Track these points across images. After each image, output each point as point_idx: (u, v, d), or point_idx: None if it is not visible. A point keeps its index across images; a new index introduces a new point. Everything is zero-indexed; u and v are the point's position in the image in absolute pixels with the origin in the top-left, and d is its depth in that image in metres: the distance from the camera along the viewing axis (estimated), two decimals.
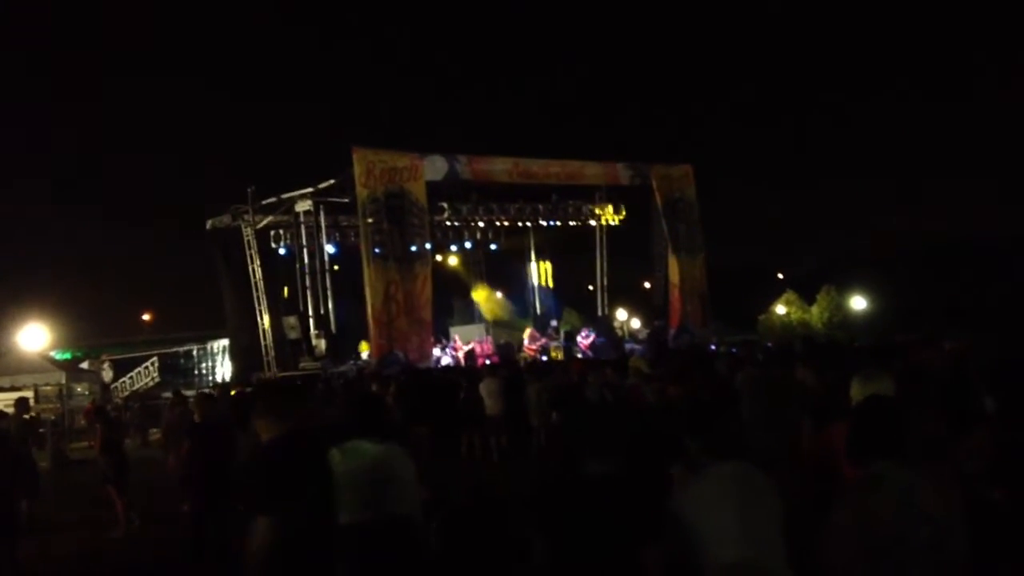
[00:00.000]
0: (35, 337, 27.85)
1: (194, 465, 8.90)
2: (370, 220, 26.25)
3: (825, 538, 3.32)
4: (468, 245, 34.96)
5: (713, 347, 27.68)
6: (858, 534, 3.21)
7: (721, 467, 3.56)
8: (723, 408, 3.82)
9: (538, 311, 37.25)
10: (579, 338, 30.61)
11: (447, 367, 25.89)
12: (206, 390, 21.08)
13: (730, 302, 42.84)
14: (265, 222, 29.72)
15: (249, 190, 29.10)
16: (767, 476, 3.59)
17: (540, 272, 38.04)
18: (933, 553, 3.15)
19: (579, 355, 28.11)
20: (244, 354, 31.70)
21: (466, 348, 28.89)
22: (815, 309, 55.04)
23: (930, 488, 3.26)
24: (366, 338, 27.05)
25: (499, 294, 38.60)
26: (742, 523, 3.42)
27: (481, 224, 33.41)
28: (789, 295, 56.27)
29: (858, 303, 52.57)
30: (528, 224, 34.58)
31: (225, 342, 37.90)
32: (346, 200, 28.15)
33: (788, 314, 55.24)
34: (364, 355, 27.76)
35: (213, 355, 39.86)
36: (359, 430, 5.11)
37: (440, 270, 32.19)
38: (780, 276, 61.56)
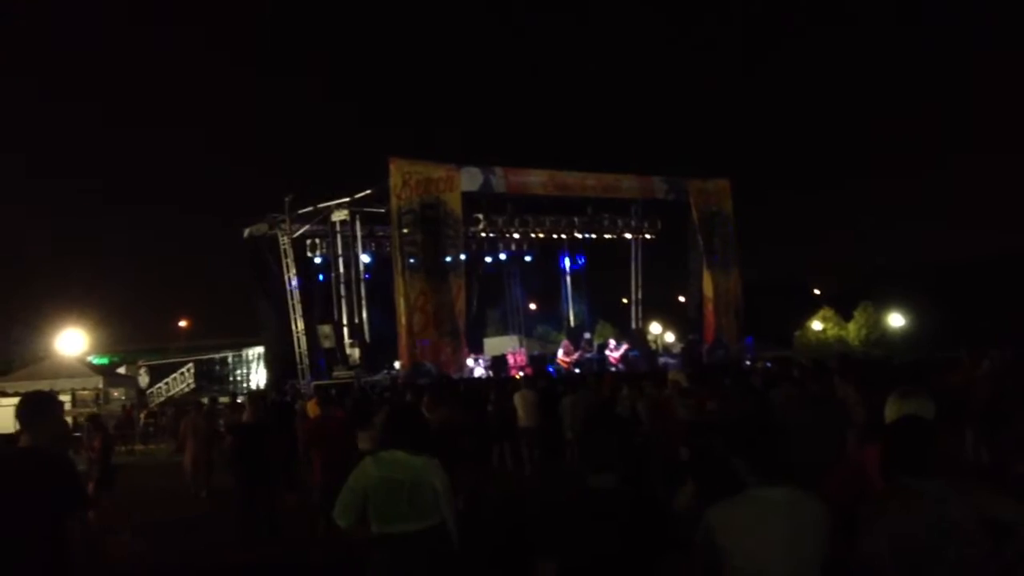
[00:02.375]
0: (73, 342, 28.16)
1: (240, 457, 9.94)
2: (405, 230, 26.34)
3: (858, 548, 3.30)
4: (503, 257, 35.01)
5: (748, 363, 27.50)
6: (890, 545, 3.19)
7: (768, 492, 3.44)
8: (770, 425, 3.73)
9: (572, 323, 37.18)
10: (607, 351, 30.49)
11: (478, 378, 25.89)
12: (252, 392, 21.60)
13: (766, 318, 42.53)
14: (301, 231, 29.90)
15: (286, 199, 29.26)
16: (819, 504, 3.51)
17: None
18: (964, 565, 3.11)
19: (610, 367, 28.03)
20: (278, 362, 31.89)
21: (481, 367, 28.59)
22: (852, 326, 54.53)
23: (961, 502, 3.24)
24: (399, 348, 27.10)
25: None
26: (783, 554, 3.34)
27: (516, 236, 33.42)
28: (826, 311, 55.75)
29: (896, 320, 52.00)
30: (563, 236, 34.54)
31: (260, 349, 38.19)
32: (382, 210, 28.26)
33: (824, 330, 54.76)
34: (397, 365, 27.81)
35: (248, 362, 40.19)
36: (395, 440, 5.11)
37: (474, 281, 32.23)
38: (817, 292, 61.00)
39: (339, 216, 29.58)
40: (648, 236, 35.93)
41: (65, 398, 22.61)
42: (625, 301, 38.86)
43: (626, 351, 30.46)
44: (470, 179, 28.28)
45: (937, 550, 3.15)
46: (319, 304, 30.78)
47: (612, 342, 31.83)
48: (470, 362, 27.98)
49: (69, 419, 20.99)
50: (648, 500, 3.74)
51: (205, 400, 23.35)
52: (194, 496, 15.33)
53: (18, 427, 4.35)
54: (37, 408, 4.36)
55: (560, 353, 29.84)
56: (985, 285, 51.23)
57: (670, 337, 43.24)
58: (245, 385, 38.08)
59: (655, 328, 42.56)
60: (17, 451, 4.26)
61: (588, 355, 30.18)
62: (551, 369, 28.24)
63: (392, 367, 28.31)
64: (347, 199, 29.09)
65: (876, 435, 5.07)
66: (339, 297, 30.06)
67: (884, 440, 3.59)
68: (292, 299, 30.10)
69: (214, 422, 16.91)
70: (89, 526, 4.14)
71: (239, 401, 21.35)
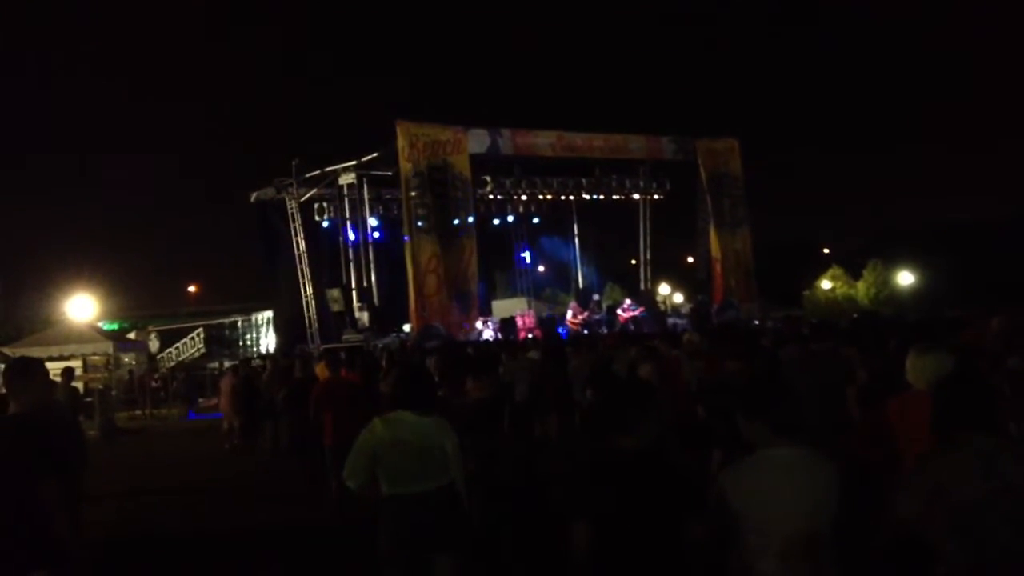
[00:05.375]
0: (83, 307, 28.22)
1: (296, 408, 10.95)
2: (413, 193, 26.32)
3: (895, 506, 3.27)
4: (511, 219, 34.93)
5: (757, 322, 27.46)
6: (931, 501, 3.15)
7: (779, 452, 3.40)
8: (779, 385, 3.70)
9: (580, 285, 37.15)
10: (619, 310, 30.44)
11: (487, 341, 25.87)
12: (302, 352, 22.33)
13: (775, 277, 42.44)
14: (309, 195, 29.87)
15: (293, 163, 29.26)
16: (830, 462, 3.47)
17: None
18: (1016, 523, 3.08)
19: (623, 327, 27.96)
20: (288, 326, 31.99)
21: (490, 329, 28.52)
22: (861, 284, 54.37)
23: (1013, 459, 3.18)
24: (407, 311, 27.12)
25: None
26: (796, 513, 3.31)
27: (524, 197, 33.34)
28: (835, 270, 55.59)
29: (905, 278, 51.84)
30: (571, 198, 34.44)
31: (269, 314, 38.29)
32: (389, 173, 28.21)
33: (834, 289, 54.64)
34: (406, 328, 27.84)
35: (257, 326, 40.28)
36: (404, 402, 5.12)
37: (482, 243, 32.21)
38: (826, 251, 60.83)
39: (346, 179, 29.53)
40: (656, 197, 35.82)
41: (76, 364, 22.70)
42: (633, 262, 38.83)
43: (637, 312, 30.40)
44: (477, 141, 28.22)
45: (987, 506, 3.08)
46: (327, 268, 30.81)
47: (628, 301, 31.79)
48: (479, 324, 27.99)
49: (80, 385, 21.12)
50: (672, 462, 3.74)
51: (235, 363, 23.73)
52: (228, 449, 15.96)
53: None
54: (20, 374, 4.34)
55: (569, 315, 29.82)
56: (994, 244, 51.02)
57: (679, 298, 43.18)
58: (255, 349, 38.13)
59: (664, 289, 42.49)
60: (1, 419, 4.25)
61: (596, 316, 30.16)
62: (563, 331, 28.22)
63: (402, 330, 28.35)
64: (354, 162, 29.04)
65: (887, 392, 5.08)
66: (347, 261, 30.09)
67: (938, 394, 3.53)
68: (300, 263, 30.13)
69: (241, 381, 17.45)
70: (63, 491, 4.09)
71: (254, 364, 21.65)
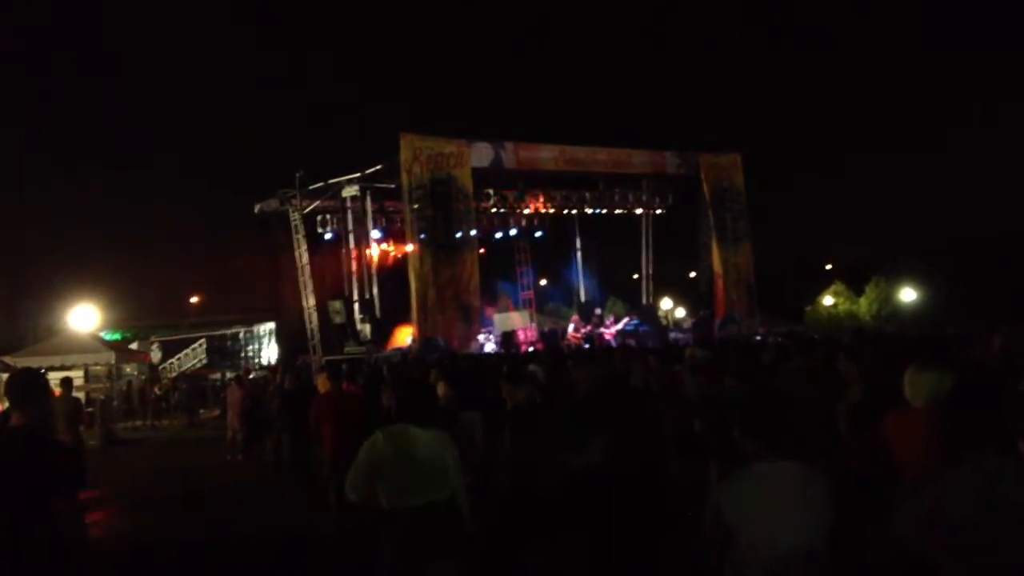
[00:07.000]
0: (86, 317, 28.19)
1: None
2: (416, 206, 26.36)
3: (898, 513, 3.27)
4: (513, 232, 34.93)
5: (759, 338, 27.43)
6: (934, 514, 3.15)
7: (774, 467, 3.42)
8: (776, 401, 3.71)
9: (582, 299, 37.11)
10: (603, 328, 30.33)
11: (488, 354, 25.84)
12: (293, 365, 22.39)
13: (777, 293, 42.38)
14: (312, 207, 29.87)
15: (297, 175, 29.25)
16: (825, 477, 3.48)
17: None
18: (1017, 542, 3.06)
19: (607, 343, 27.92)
20: (290, 337, 32.01)
21: (492, 343, 28.49)
22: (863, 300, 54.26)
23: (1017, 477, 3.17)
24: (410, 324, 27.11)
25: None
26: (791, 528, 3.32)
27: (527, 211, 33.34)
28: (837, 286, 55.48)
29: (908, 295, 51.72)
30: (574, 212, 34.43)
31: (271, 325, 38.30)
32: (393, 185, 28.25)
33: (836, 305, 54.54)
34: (407, 340, 27.82)
35: (259, 338, 40.30)
36: (407, 415, 5.12)
37: (484, 257, 32.19)
38: (828, 267, 60.73)
39: (350, 192, 29.58)
40: (659, 211, 35.79)
41: (78, 374, 22.71)
42: (636, 276, 38.78)
43: (626, 324, 30.35)
44: (480, 154, 28.25)
45: (987, 525, 3.07)
46: (330, 280, 30.83)
47: (611, 318, 31.79)
48: (481, 337, 27.98)
49: (82, 395, 21.13)
50: (649, 472, 3.73)
51: (238, 374, 23.76)
52: (230, 460, 16.04)
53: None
54: (29, 387, 4.25)
55: (570, 328, 29.81)
56: (999, 259, 50.83)
57: (680, 312, 43.14)
58: (257, 361, 38.16)
59: (666, 303, 42.45)
60: (10, 431, 4.19)
61: (598, 330, 30.14)
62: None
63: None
64: (357, 175, 29.07)
65: (873, 411, 5.07)
66: (349, 273, 30.12)
67: (948, 410, 3.53)
68: (303, 275, 30.16)
69: (247, 392, 17.50)
70: (79, 508, 4.05)
71: (253, 376, 21.68)
